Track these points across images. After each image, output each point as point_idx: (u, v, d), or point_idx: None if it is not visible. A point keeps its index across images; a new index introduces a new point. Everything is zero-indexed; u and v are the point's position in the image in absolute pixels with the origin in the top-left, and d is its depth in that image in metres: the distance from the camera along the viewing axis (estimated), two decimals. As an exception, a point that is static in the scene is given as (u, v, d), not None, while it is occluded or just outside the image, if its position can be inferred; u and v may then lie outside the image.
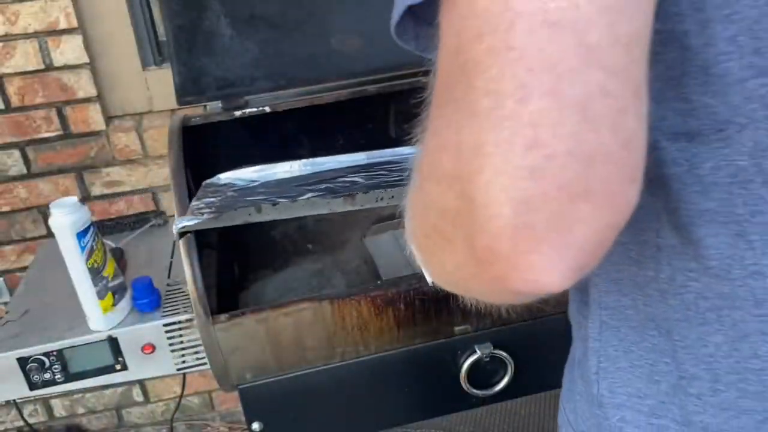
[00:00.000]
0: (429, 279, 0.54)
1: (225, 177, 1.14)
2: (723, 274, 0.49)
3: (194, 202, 1.00)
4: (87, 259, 1.17)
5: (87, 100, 1.78)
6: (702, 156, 0.46)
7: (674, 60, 0.43)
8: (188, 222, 0.87)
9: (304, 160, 1.15)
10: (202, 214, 0.87)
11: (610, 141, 0.34)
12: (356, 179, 1.05)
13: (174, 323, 1.24)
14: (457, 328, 1.19)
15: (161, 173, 1.88)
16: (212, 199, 1.00)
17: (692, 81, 0.44)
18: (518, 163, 0.33)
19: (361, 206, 0.89)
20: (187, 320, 1.24)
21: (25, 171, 1.83)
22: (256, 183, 1.11)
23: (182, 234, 0.88)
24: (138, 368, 1.26)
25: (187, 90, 1.37)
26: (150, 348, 1.24)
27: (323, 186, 0.97)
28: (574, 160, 0.33)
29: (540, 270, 0.34)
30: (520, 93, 0.33)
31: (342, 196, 0.85)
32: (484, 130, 0.34)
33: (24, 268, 1.90)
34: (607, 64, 0.34)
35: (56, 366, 1.22)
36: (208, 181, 1.16)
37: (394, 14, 0.43)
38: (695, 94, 0.44)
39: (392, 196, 0.87)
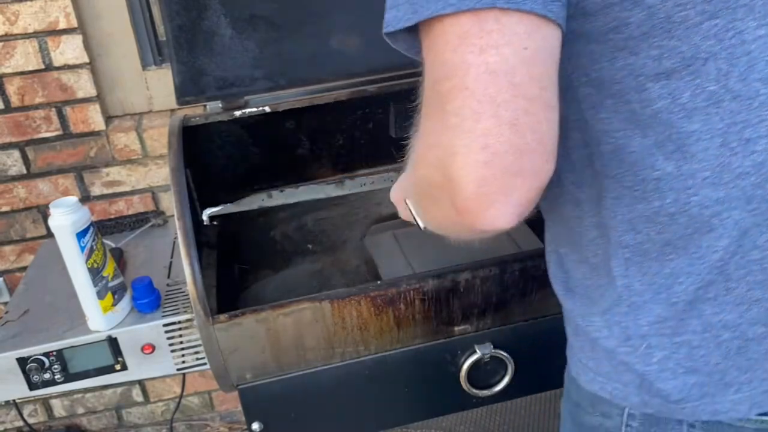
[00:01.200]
0: (422, 225, 0.77)
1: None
2: (717, 182, 0.62)
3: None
4: (87, 259, 1.17)
5: (87, 100, 1.78)
6: (680, 88, 0.60)
7: (641, 19, 0.58)
8: (215, 208, 1.00)
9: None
10: None
11: (531, 140, 0.54)
12: None
13: (174, 323, 1.24)
14: (457, 328, 1.19)
15: (161, 173, 1.88)
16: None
17: (659, 31, 0.58)
18: (476, 158, 0.54)
19: (350, 191, 1.10)
20: (187, 320, 1.24)
21: (24, 171, 1.83)
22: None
23: (212, 219, 1.05)
24: (138, 368, 1.26)
25: (187, 90, 1.37)
26: (150, 348, 1.24)
27: None
28: (510, 154, 0.54)
29: (495, 218, 0.56)
30: (475, 116, 0.54)
31: (334, 183, 1.05)
32: (455, 137, 0.55)
33: (24, 268, 1.90)
34: (527, 94, 0.54)
35: (56, 366, 1.22)
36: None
37: (387, 25, 0.59)
38: (663, 40, 0.59)
39: (373, 182, 1.06)
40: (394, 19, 0.58)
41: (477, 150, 0.54)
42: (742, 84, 0.60)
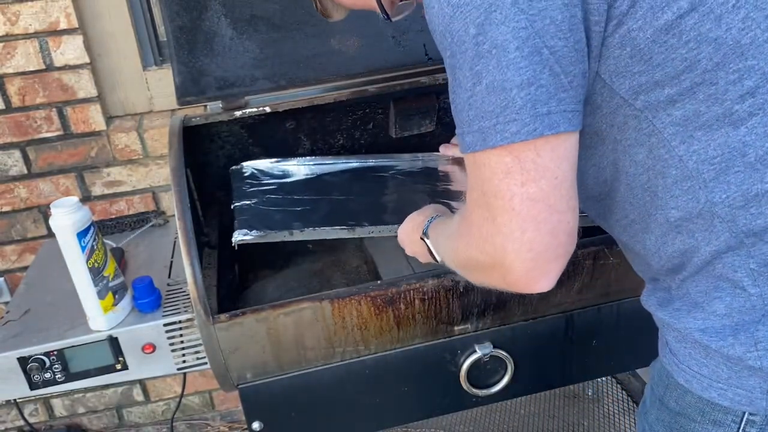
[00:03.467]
0: (440, 261, 0.97)
1: (247, 165, 1.43)
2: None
3: (237, 203, 1.26)
4: (87, 259, 1.17)
5: (87, 100, 1.78)
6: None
7: (710, 52, 0.68)
8: (243, 237, 1.12)
9: (307, 159, 1.46)
10: (249, 222, 1.18)
11: (563, 239, 0.71)
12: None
13: (174, 323, 1.24)
14: (457, 328, 1.19)
15: (161, 173, 1.88)
16: (249, 202, 1.26)
17: (732, 57, 0.68)
18: (525, 257, 0.71)
19: (359, 236, 1.21)
20: (188, 320, 1.24)
21: (25, 171, 1.83)
22: (278, 183, 1.38)
23: (240, 245, 1.15)
24: (138, 368, 1.26)
25: (188, 90, 1.37)
26: (150, 348, 1.24)
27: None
28: (550, 251, 0.71)
29: (540, 288, 0.74)
30: (521, 229, 0.70)
31: (345, 228, 1.17)
32: (506, 242, 0.71)
33: (24, 268, 1.90)
34: (559, 208, 0.70)
35: (57, 366, 1.22)
36: (234, 169, 1.42)
37: (465, 148, 0.73)
38: (739, 63, 0.68)
39: (380, 231, 1.19)
40: (471, 143, 0.71)
41: (525, 252, 0.70)
42: None
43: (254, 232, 1.11)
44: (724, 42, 0.66)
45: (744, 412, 0.76)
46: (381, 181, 1.42)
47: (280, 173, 1.42)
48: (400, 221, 1.13)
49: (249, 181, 1.38)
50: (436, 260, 0.97)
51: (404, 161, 1.51)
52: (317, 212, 1.25)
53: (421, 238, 1.00)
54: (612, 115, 0.74)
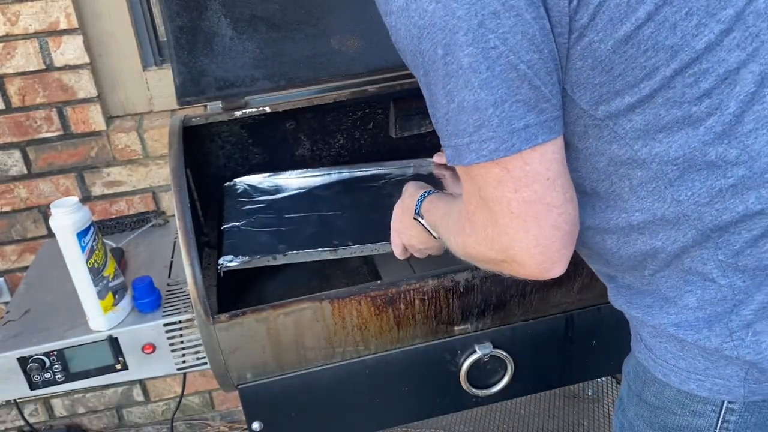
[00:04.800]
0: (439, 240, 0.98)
1: (240, 181, 1.47)
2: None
3: (226, 225, 1.31)
4: (87, 259, 1.17)
5: (87, 100, 1.78)
6: (724, 102, 0.70)
7: (666, 59, 0.70)
8: (228, 264, 1.17)
9: (299, 171, 1.51)
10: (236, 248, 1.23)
11: (566, 228, 0.74)
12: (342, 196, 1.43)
13: (174, 323, 1.24)
14: (457, 328, 1.19)
15: (161, 173, 1.88)
16: (237, 224, 1.31)
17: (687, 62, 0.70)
18: (533, 251, 0.73)
19: (342, 257, 1.24)
20: (188, 320, 1.24)
21: (25, 171, 1.83)
22: (268, 201, 1.41)
23: (225, 272, 1.20)
24: (138, 368, 1.26)
25: (188, 90, 1.37)
26: (150, 348, 1.24)
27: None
28: (556, 242, 0.73)
29: (555, 272, 0.76)
30: (524, 229, 0.72)
31: (328, 250, 1.21)
32: (512, 242, 0.73)
33: (25, 268, 1.91)
34: (556, 203, 0.72)
35: (57, 366, 1.22)
36: (227, 185, 1.46)
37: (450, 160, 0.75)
38: (693, 67, 0.70)
39: (362, 251, 1.23)
40: (451, 157, 0.74)
41: (533, 248, 0.73)
42: None
43: (239, 259, 1.15)
44: (680, 49, 0.68)
45: (723, 401, 0.78)
46: (371, 193, 1.44)
47: (272, 188, 1.45)
48: (385, 237, 1.16)
49: (241, 198, 1.41)
50: (435, 238, 0.98)
51: (395, 168, 1.53)
52: (304, 231, 1.28)
53: (415, 219, 1.01)
54: (572, 125, 0.75)
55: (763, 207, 0.72)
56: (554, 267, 0.75)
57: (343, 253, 1.20)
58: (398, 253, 1.12)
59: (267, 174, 1.48)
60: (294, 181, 1.47)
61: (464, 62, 0.66)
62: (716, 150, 0.71)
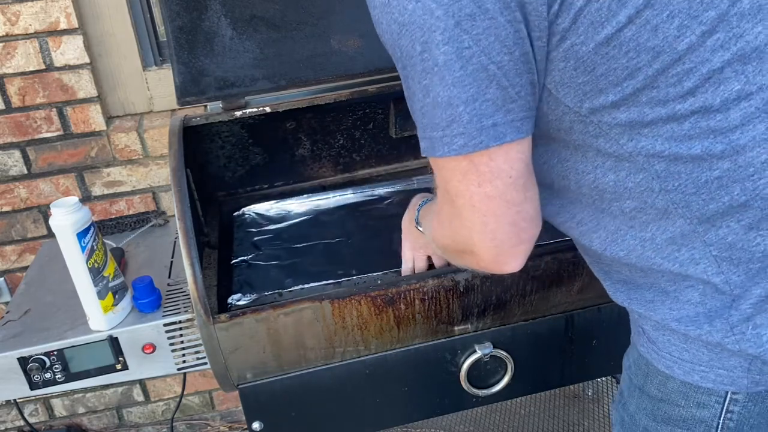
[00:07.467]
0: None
1: (248, 210, 1.52)
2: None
3: (235, 260, 1.34)
4: (87, 259, 1.17)
5: (87, 100, 1.78)
6: (709, 100, 0.71)
7: (649, 59, 0.71)
8: (237, 302, 1.19)
9: (304, 197, 1.55)
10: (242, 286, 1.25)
11: (523, 225, 0.77)
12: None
13: (174, 323, 1.24)
14: (457, 328, 1.19)
15: (161, 173, 1.88)
16: (246, 258, 1.34)
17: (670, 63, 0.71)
18: (489, 245, 0.78)
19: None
20: (188, 320, 1.24)
21: (25, 171, 1.83)
22: (275, 231, 1.44)
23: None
24: (138, 368, 1.26)
25: (188, 90, 1.37)
26: (150, 348, 1.24)
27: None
28: (513, 237, 0.77)
29: (510, 269, 0.80)
30: (483, 223, 0.76)
31: (332, 283, 1.22)
32: (472, 234, 0.78)
33: (25, 268, 1.91)
34: (516, 201, 0.75)
35: (57, 366, 1.22)
36: (236, 215, 1.51)
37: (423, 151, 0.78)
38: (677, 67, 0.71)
39: (365, 282, 1.23)
40: (425, 149, 0.77)
41: (488, 241, 0.77)
42: (761, 76, 0.70)
43: (248, 296, 1.19)
44: (662, 50, 0.69)
45: (727, 392, 0.79)
46: (376, 215, 1.47)
47: (279, 216, 1.49)
48: (388, 265, 1.21)
49: (250, 229, 1.44)
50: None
51: (399, 186, 1.56)
52: (310, 262, 1.30)
53: (416, 227, 1.09)
54: (558, 121, 0.77)
55: (748, 199, 0.73)
56: (510, 261, 0.79)
57: (347, 284, 1.22)
58: (406, 269, 1.17)
59: (274, 201, 1.52)
60: (300, 206, 1.51)
61: (440, 60, 0.69)
62: (702, 144, 0.72)
